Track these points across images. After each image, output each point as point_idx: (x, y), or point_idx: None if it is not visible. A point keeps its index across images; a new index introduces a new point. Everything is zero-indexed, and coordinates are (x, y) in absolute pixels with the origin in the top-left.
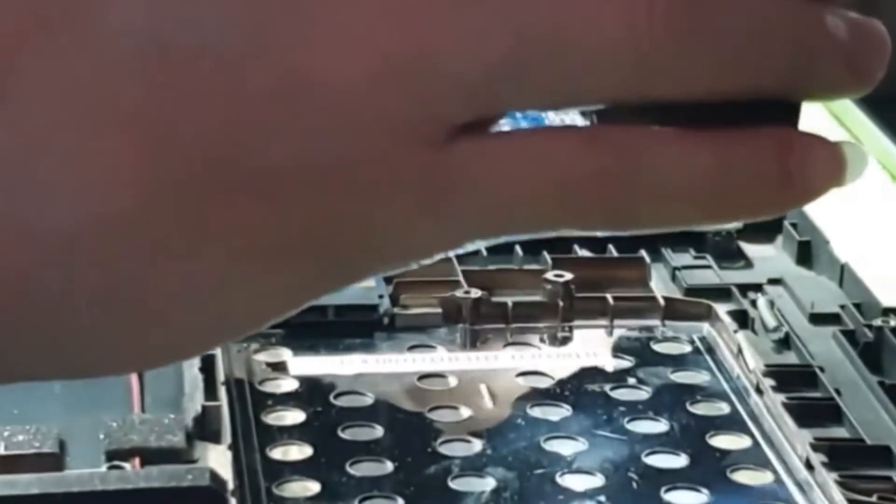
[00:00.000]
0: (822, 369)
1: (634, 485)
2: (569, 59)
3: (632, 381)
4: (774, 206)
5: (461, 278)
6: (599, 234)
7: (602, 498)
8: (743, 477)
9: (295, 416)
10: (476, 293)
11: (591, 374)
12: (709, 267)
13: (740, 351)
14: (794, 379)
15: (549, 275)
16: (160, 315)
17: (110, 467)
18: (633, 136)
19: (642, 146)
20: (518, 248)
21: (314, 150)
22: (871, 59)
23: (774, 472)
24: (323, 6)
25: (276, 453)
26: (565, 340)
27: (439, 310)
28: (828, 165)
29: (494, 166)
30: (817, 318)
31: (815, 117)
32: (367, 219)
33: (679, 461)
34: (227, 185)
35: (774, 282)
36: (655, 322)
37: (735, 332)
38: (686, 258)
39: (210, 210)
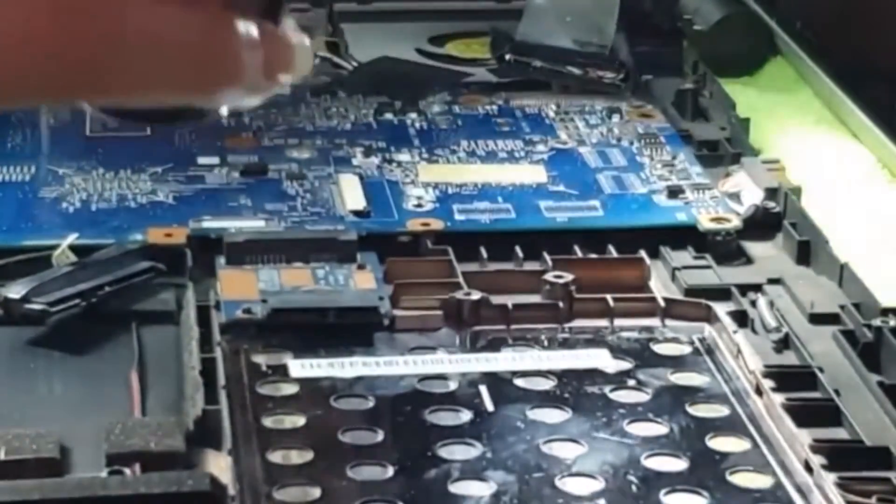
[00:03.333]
0: (821, 370)
1: (634, 488)
2: None
3: (631, 382)
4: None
5: (461, 280)
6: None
7: (602, 501)
8: (742, 479)
9: (295, 420)
10: (476, 295)
11: (590, 375)
12: (708, 267)
13: (740, 352)
14: (794, 380)
15: (549, 276)
16: None
17: (111, 472)
18: None
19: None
20: (518, 249)
21: None
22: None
23: (774, 474)
24: None
25: (277, 457)
26: (565, 342)
27: (440, 311)
28: (276, 63)
29: None
30: (817, 319)
31: (815, 117)
32: None
33: (679, 464)
34: None
35: (774, 282)
36: (655, 323)
37: (735, 332)
38: (686, 258)
39: None
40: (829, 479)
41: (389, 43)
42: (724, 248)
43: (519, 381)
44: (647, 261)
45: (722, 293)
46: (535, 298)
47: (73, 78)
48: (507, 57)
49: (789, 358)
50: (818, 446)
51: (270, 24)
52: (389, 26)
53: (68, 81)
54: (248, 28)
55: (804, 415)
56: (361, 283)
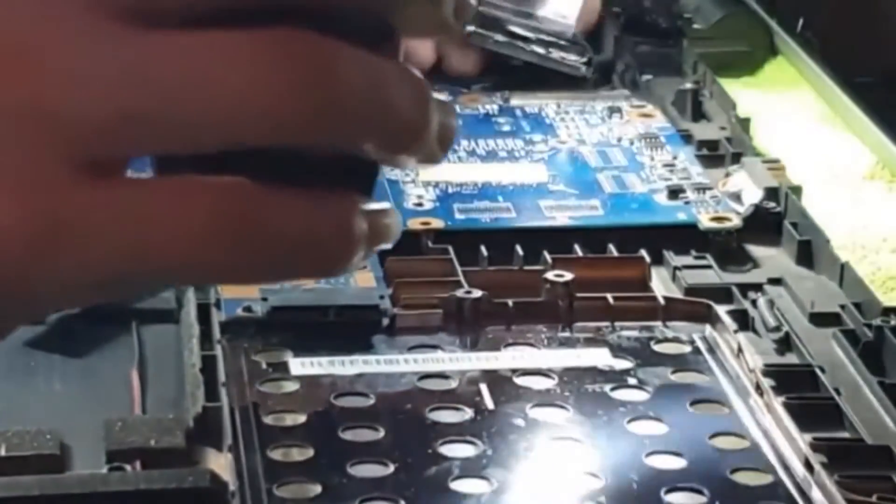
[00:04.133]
0: (822, 369)
1: (634, 486)
2: (194, 109)
3: (632, 381)
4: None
5: (462, 278)
6: (227, 283)
7: (602, 499)
8: (743, 477)
9: (295, 417)
10: (477, 293)
11: (591, 374)
12: (709, 267)
13: (740, 351)
14: (795, 379)
15: (550, 275)
16: None
17: (111, 468)
18: (256, 187)
19: (269, 198)
20: (518, 248)
21: None
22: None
23: (774, 472)
24: None
25: (277, 454)
26: (566, 341)
27: (440, 310)
28: (375, 237)
29: (129, 209)
30: (817, 318)
31: (815, 117)
32: None
33: (679, 462)
34: None
35: (775, 282)
36: (656, 322)
37: (735, 332)
38: (686, 258)
39: None
40: (830, 477)
41: None
42: (725, 248)
43: (519, 380)
44: (648, 260)
45: (722, 293)
46: (535, 297)
47: (200, 274)
48: (470, 28)
49: (790, 358)
50: (818, 445)
51: (366, 196)
52: None
53: (194, 277)
54: (358, 209)
55: (805, 414)
56: (362, 281)
